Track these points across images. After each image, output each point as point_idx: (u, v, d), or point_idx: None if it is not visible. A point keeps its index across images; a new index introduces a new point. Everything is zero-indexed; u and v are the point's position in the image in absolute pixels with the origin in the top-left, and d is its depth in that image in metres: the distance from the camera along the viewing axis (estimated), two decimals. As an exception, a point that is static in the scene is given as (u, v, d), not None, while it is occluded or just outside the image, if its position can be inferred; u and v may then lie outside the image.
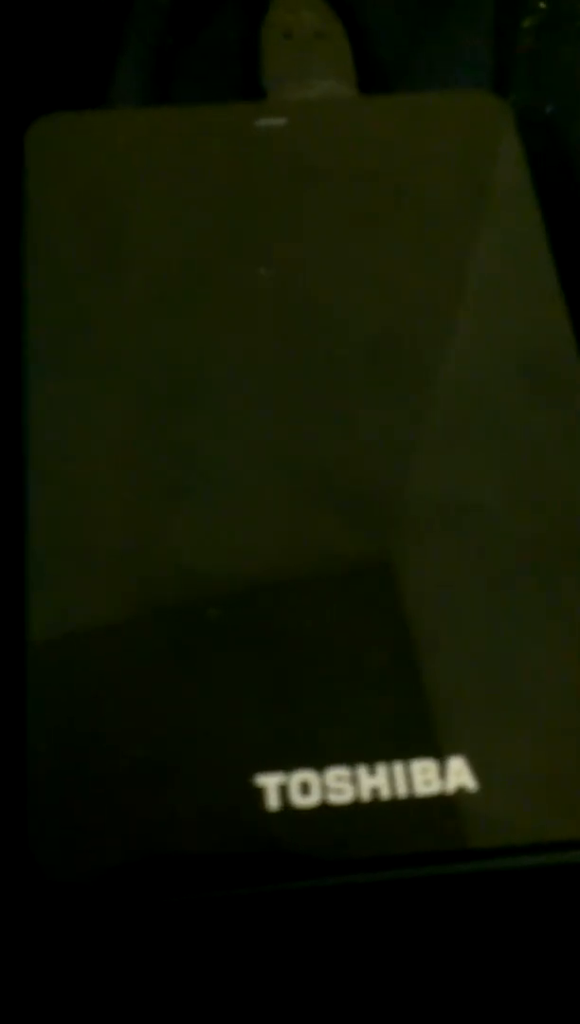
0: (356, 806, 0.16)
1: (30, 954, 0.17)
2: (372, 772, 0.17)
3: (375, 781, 0.17)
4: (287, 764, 0.17)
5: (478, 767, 0.17)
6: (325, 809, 0.16)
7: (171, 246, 0.21)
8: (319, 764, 0.17)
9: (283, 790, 0.16)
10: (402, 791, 0.17)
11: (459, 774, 0.17)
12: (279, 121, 0.23)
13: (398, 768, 0.17)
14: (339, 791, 0.17)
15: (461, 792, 0.17)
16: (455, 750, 0.17)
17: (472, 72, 0.27)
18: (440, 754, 0.17)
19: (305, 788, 0.17)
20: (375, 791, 0.17)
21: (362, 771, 0.17)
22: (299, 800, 0.16)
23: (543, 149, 0.24)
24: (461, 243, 0.22)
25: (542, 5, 0.27)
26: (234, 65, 0.25)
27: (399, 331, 0.21)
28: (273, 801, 0.16)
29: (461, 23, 0.27)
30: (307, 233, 0.22)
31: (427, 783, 0.17)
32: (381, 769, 0.17)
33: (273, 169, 0.22)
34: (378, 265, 0.22)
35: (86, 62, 0.25)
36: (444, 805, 0.17)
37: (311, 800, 0.16)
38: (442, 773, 0.17)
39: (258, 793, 0.16)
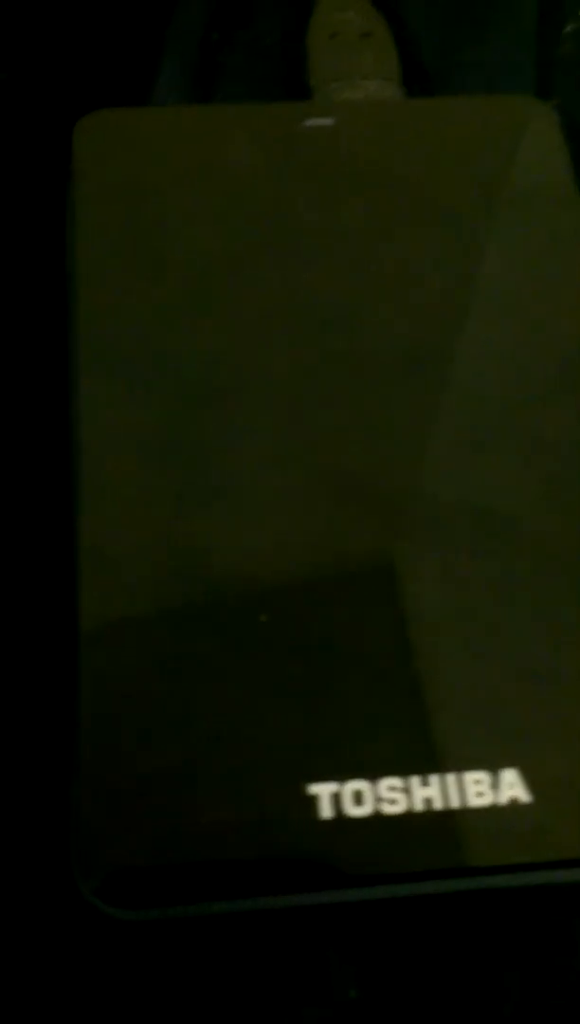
0: (409, 817, 0.16)
1: (74, 957, 0.17)
2: (425, 783, 0.17)
3: (428, 792, 0.16)
4: (340, 773, 0.16)
5: (531, 779, 0.17)
6: (377, 819, 0.16)
7: (216, 245, 0.21)
8: (372, 774, 0.17)
9: (336, 799, 0.16)
10: (455, 802, 0.16)
11: (512, 786, 0.17)
12: (326, 122, 0.23)
13: (451, 779, 0.17)
14: (392, 801, 0.16)
15: (514, 804, 0.16)
16: (508, 762, 0.17)
17: (513, 77, 0.27)
18: (493, 766, 0.17)
19: (358, 798, 0.16)
20: (428, 802, 0.16)
21: (415, 782, 0.17)
22: (352, 810, 0.16)
23: None
24: (504, 247, 0.22)
25: None
26: (279, 63, 0.25)
27: (436, 338, 0.21)
28: (326, 810, 0.16)
29: (502, 29, 0.27)
30: (351, 235, 0.22)
31: (480, 795, 0.17)
32: (434, 780, 0.17)
33: (320, 169, 0.22)
34: (420, 268, 0.21)
35: (132, 58, 0.25)
36: (497, 817, 0.16)
37: (364, 810, 0.16)
38: (495, 785, 0.17)
39: (311, 802, 0.16)
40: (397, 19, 0.26)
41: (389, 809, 0.16)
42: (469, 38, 0.27)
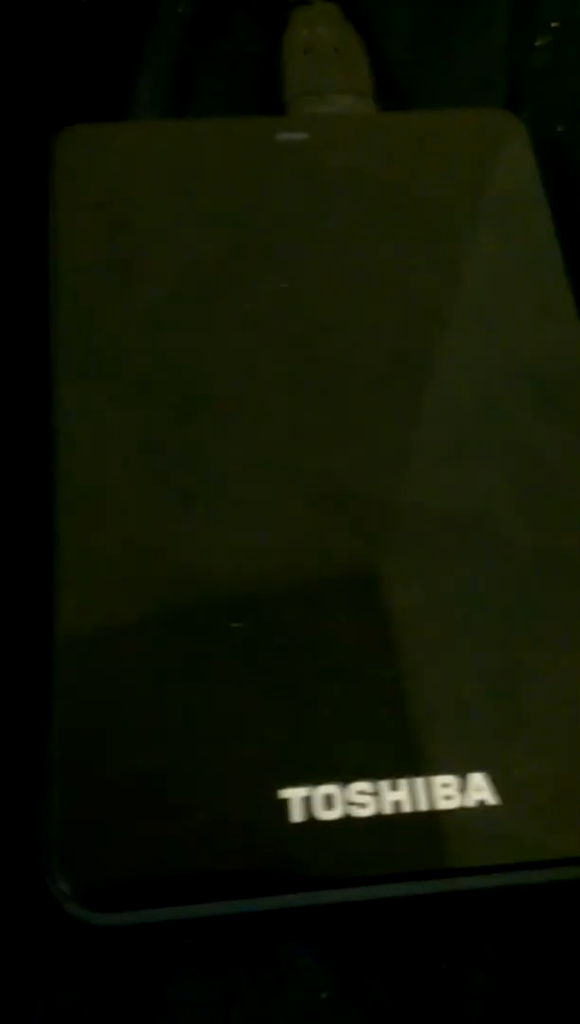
0: (378, 819, 0.17)
1: (51, 962, 0.17)
2: (394, 787, 0.17)
3: (397, 795, 0.17)
4: (311, 778, 0.17)
5: (498, 783, 0.17)
6: (348, 822, 0.17)
7: (192, 257, 0.22)
8: (343, 778, 0.17)
9: (307, 803, 0.17)
10: (423, 805, 0.17)
11: (480, 789, 0.17)
12: (300, 136, 0.23)
13: (420, 783, 0.17)
14: (362, 805, 0.17)
15: (482, 807, 0.17)
16: (476, 766, 0.17)
17: (485, 91, 0.27)
18: (461, 770, 0.17)
19: (329, 802, 0.17)
20: (397, 805, 0.17)
21: (384, 785, 0.17)
22: (322, 813, 0.17)
23: (554, 167, 0.25)
24: (476, 258, 0.22)
25: (554, 25, 0.28)
26: (253, 78, 0.25)
27: (414, 345, 0.21)
28: (297, 814, 0.17)
29: (474, 43, 0.28)
30: (326, 246, 0.22)
31: (448, 798, 0.17)
32: (403, 784, 0.17)
33: (293, 182, 0.23)
34: (394, 279, 0.22)
35: (108, 73, 0.25)
36: (464, 819, 0.17)
37: (334, 813, 0.17)
38: (463, 788, 0.17)
39: (282, 806, 0.17)
40: (370, 33, 0.26)
41: (359, 812, 0.17)
42: (441, 51, 0.27)
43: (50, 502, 0.19)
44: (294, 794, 0.17)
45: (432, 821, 0.17)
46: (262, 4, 0.26)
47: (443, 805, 0.17)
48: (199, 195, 0.22)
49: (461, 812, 0.17)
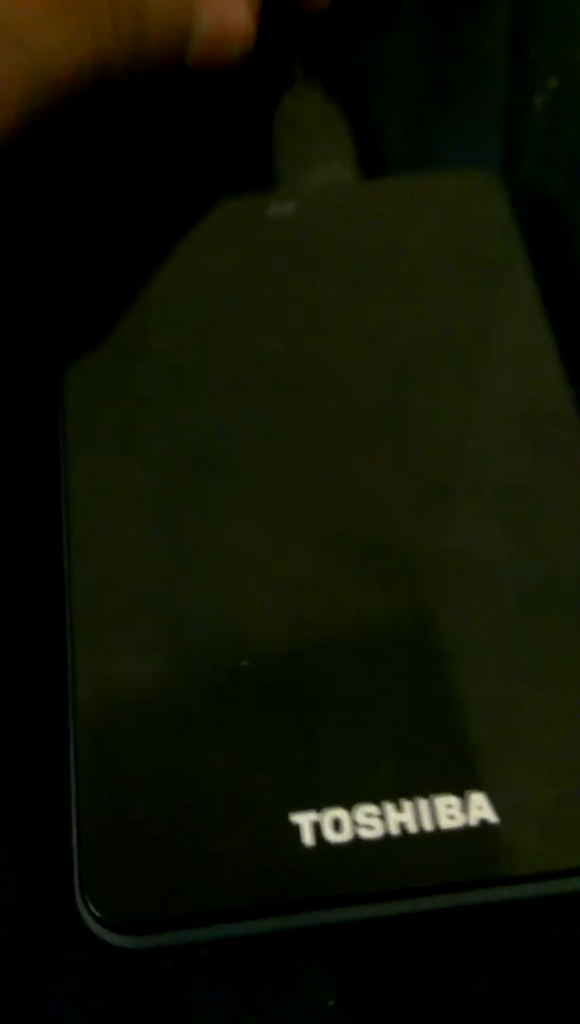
0: (386, 840, 0.18)
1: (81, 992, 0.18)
2: (399, 808, 0.18)
3: (402, 816, 0.18)
4: (319, 803, 0.18)
5: (498, 801, 0.18)
6: (357, 843, 0.18)
7: (191, 328, 0.23)
8: (349, 802, 0.18)
9: (317, 827, 0.18)
10: (428, 825, 0.18)
11: (480, 808, 0.18)
12: (289, 206, 0.25)
13: (423, 804, 0.18)
14: (369, 827, 0.18)
15: (483, 825, 0.18)
16: (476, 786, 0.18)
17: (483, 151, 0.28)
18: (462, 790, 0.18)
19: (337, 825, 0.18)
20: (402, 826, 0.18)
21: (389, 807, 0.18)
22: (332, 836, 0.18)
23: (553, 224, 0.26)
24: (461, 317, 0.24)
25: (552, 84, 0.29)
26: (247, 154, 0.27)
27: (409, 402, 0.22)
28: (308, 838, 0.18)
29: (473, 102, 0.29)
30: (319, 310, 0.24)
31: (451, 817, 0.18)
32: (407, 805, 0.18)
33: (284, 252, 0.24)
34: (385, 341, 0.23)
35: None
36: (467, 837, 0.18)
37: (343, 836, 0.18)
38: (464, 808, 0.18)
39: (294, 831, 0.18)
40: (357, 104, 0.28)
41: (367, 834, 0.18)
42: (440, 112, 0.29)
43: (60, 553, 0.20)
44: (305, 819, 0.18)
45: (436, 839, 0.18)
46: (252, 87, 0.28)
47: (446, 824, 0.18)
48: (195, 269, 0.24)
49: (463, 830, 0.18)
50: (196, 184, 0.26)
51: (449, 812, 0.18)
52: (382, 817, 0.18)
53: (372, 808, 0.18)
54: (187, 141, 0.27)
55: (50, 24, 0.21)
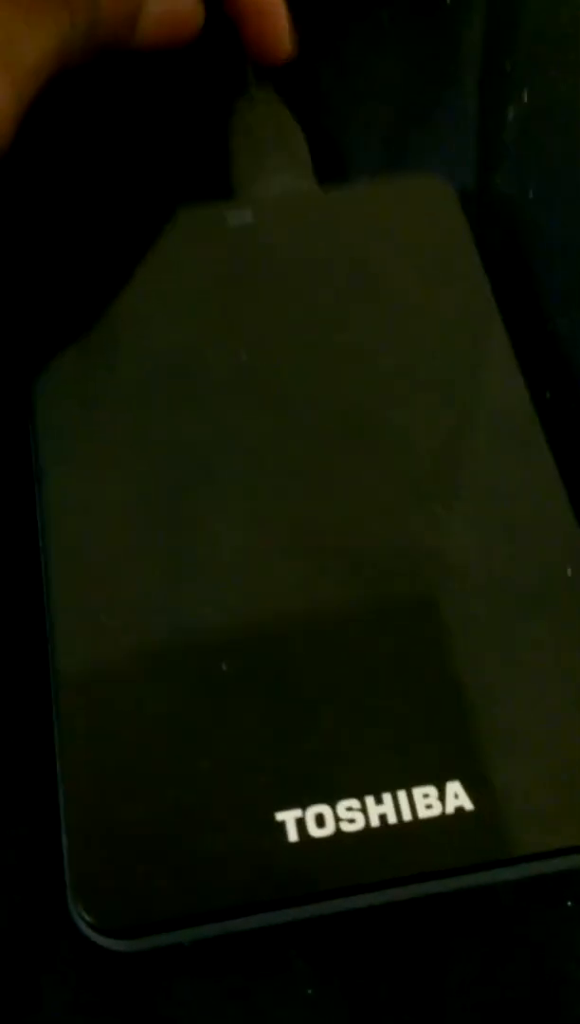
0: (367, 832, 0.18)
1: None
2: (379, 801, 0.19)
3: (382, 809, 0.19)
4: (303, 800, 0.19)
5: (472, 789, 0.19)
6: (339, 837, 0.18)
7: (158, 337, 0.24)
8: (331, 798, 0.19)
9: (301, 823, 0.18)
10: (407, 816, 0.18)
11: (457, 796, 0.19)
12: (245, 216, 0.25)
13: (402, 795, 0.19)
14: (350, 820, 0.18)
15: (459, 812, 0.19)
16: (451, 775, 0.19)
17: (457, 164, 0.28)
18: (439, 780, 0.19)
19: (320, 820, 0.18)
20: (383, 818, 0.18)
21: (370, 801, 0.19)
22: (315, 831, 0.18)
23: (526, 234, 0.27)
24: (418, 319, 0.24)
25: (525, 98, 0.29)
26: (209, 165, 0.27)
27: (369, 405, 0.23)
28: (292, 834, 0.18)
29: (447, 115, 0.29)
30: (278, 317, 0.24)
31: (429, 807, 0.19)
32: (387, 798, 0.19)
33: (242, 261, 0.25)
34: (343, 345, 0.24)
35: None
36: (445, 825, 0.18)
37: (326, 830, 0.18)
38: (441, 796, 0.19)
39: (278, 828, 0.18)
40: (312, 112, 0.28)
41: (349, 828, 0.18)
42: (415, 126, 0.29)
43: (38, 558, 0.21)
44: (289, 816, 0.18)
45: (415, 829, 0.18)
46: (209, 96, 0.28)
47: (425, 814, 0.18)
48: (158, 279, 0.24)
49: (442, 819, 0.18)
50: (154, 194, 0.26)
51: (427, 802, 0.19)
52: (363, 811, 0.18)
53: (354, 802, 0.19)
54: (145, 150, 0.27)
55: (23, 24, 0.22)
